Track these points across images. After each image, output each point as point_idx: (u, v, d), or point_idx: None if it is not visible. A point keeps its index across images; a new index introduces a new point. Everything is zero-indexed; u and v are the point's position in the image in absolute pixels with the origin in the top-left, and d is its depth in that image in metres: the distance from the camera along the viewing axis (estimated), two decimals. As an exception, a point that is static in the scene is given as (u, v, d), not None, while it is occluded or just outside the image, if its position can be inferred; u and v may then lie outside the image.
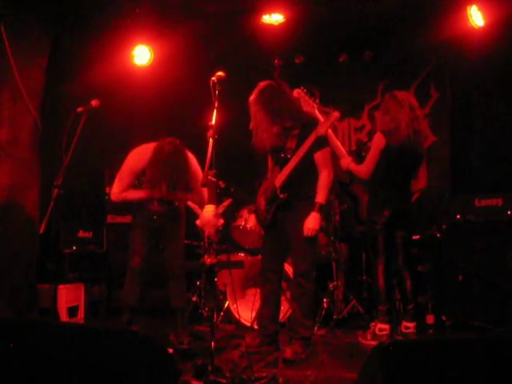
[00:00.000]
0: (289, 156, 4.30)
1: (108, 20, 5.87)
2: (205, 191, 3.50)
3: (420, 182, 5.02)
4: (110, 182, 6.53)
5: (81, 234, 6.29)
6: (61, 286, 5.73)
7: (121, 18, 5.92)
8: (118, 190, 4.69)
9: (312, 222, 4.27)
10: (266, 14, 5.80)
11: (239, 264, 4.21)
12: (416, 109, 4.84)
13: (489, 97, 6.55)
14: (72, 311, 5.89)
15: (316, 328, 5.29)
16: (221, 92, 3.55)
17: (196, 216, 3.35)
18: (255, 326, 5.42)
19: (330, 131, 5.08)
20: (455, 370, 2.10)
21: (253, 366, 3.65)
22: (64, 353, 2.34)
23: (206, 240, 3.21)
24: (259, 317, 4.86)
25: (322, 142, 4.35)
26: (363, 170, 4.88)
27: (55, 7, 5.13)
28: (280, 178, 4.33)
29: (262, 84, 4.49)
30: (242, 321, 5.54)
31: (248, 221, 5.94)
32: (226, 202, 3.32)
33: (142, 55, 6.25)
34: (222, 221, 3.29)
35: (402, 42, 6.85)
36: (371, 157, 4.83)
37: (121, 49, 6.17)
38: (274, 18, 5.82)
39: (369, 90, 7.43)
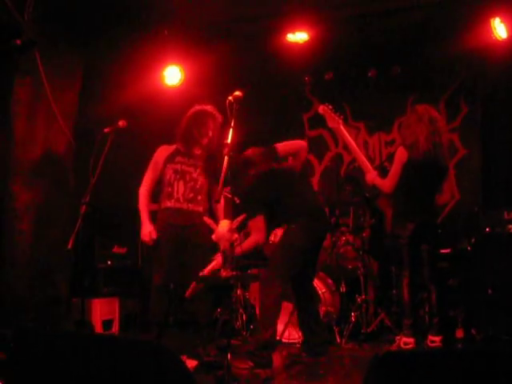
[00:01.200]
0: None
1: (139, 41, 6.05)
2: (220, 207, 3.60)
3: (444, 195, 5.03)
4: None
5: (115, 249, 6.48)
6: (95, 300, 5.92)
7: (151, 39, 6.11)
8: (142, 184, 4.92)
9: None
10: (289, 32, 5.91)
11: (255, 277, 4.27)
12: (437, 122, 4.86)
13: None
14: (107, 324, 6.06)
15: (344, 341, 5.34)
16: (238, 111, 3.66)
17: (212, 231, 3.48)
18: (283, 340, 5.50)
19: (354, 145, 5.16)
20: (450, 381, 2.14)
21: (273, 378, 3.72)
22: (80, 363, 2.46)
23: (221, 254, 3.33)
24: None
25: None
26: (387, 184, 4.91)
27: (86, 30, 5.34)
28: None
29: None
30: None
31: (278, 236, 5.99)
32: (240, 217, 3.43)
33: (172, 75, 6.44)
34: (236, 235, 3.40)
35: (429, 56, 6.88)
36: (394, 171, 4.86)
37: (152, 69, 6.37)
38: (298, 37, 5.93)
39: (399, 104, 7.43)
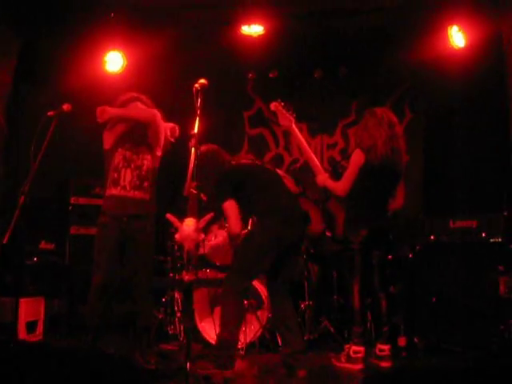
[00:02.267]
0: None
1: (81, 24, 5.68)
2: None
3: (397, 200, 4.96)
4: (75, 192, 6.32)
5: (42, 244, 6.04)
6: (21, 300, 5.43)
7: (95, 22, 5.73)
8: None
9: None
10: (245, 24, 5.66)
11: (218, 282, 4.00)
12: (395, 126, 4.78)
13: (464, 118, 6.53)
14: (31, 326, 5.59)
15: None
16: (203, 100, 3.38)
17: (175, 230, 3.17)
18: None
19: (306, 145, 5.00)
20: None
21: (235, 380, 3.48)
22: (32, 372, 2.13)
23: (185, 255, 3.02)
24: None
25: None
26: (340, 186, 4.75)
27: (25, 9, 4.90)
28: None
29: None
30: (210, 340, 5.33)
31: (218, 236, 5.73)
32: (208, 216, 3.13)
33: (114, 61, 6.06)
34: (202, 235, 3.10)
35: (378, 60, 6.84)
36: (349, 173, 4.72)
37: (94, 54, 5.98)
38: (253, 30, 5.69)
39: (343, 107, 7.39)
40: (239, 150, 7.75)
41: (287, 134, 6.54)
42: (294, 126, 4.96)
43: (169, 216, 3.20)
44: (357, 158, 4.70)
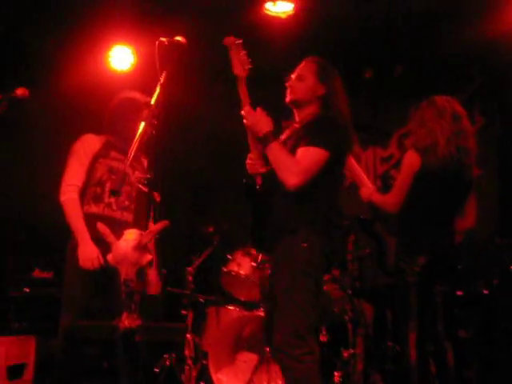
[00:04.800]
0: None
1: (81, 14, 4.90)
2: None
3: (467, 219, 3.90)
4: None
5: (36, 273, 5.20)
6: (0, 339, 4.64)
7: (97, 12, 4.94)
8: (66, 185, 3.64)
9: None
10: (269, 0, 4.68)
11: (179, 331, 2.87)
12: (462, 119, 3.78)
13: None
14: (15, 371, 4.73)
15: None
16: (175, 62, 2.38)
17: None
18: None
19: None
20: None
21: None
22: None
23: (122, 288, 1.94)
24: None
25: None
26: (390, 200, 3.78)
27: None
28: None
29: None
30: (228, 395, 4.30)
31: (242, 266, 4.78)
32: (159, 225, 2.03)
33: (121, 58, 5.28)
34: (148, 256, 2.01)
35: (439, 55, 5.78)
36: (401, 182, 3.72)
37: (96, 50, 5.22)
38: (280, 8, 4.69)
39: (399, 113, 6.26)
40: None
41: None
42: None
43: (100, 226, 2.12)
44: (410, 161, 3.71)
